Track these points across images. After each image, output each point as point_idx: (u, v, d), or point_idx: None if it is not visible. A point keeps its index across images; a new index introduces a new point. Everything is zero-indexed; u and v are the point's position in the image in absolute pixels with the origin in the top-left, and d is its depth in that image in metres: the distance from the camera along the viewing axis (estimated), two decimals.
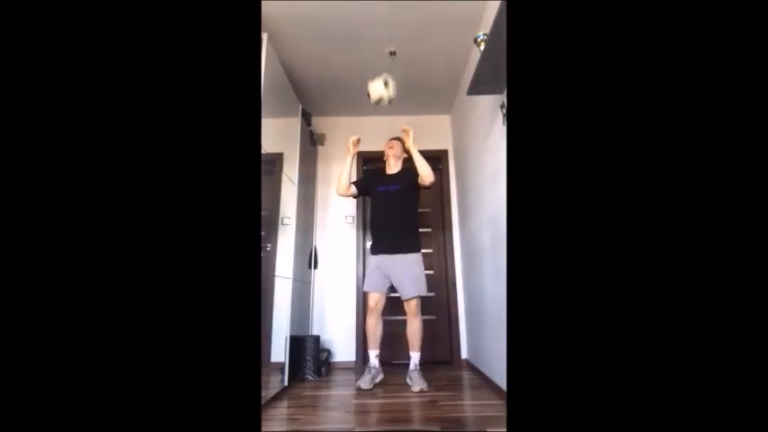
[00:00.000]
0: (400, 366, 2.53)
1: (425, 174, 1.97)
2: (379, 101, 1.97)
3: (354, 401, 1.75)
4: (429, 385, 1.91)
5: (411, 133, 2.03)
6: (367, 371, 2.00)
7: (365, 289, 2.10)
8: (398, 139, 2.20)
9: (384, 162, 2.24)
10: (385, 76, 1.95)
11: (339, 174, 2.13)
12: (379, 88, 1.95)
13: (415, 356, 2.01)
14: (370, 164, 3.12)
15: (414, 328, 2.02)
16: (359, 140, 2.10)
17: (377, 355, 2.04)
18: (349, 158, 2.09)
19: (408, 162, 2.11)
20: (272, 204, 2.09)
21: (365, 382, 1.93)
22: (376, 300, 2.02)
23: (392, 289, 2.06)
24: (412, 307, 2.01)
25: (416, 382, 1.90)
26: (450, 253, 2.88)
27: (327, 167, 3.09)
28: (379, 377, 2.04)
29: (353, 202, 3.01)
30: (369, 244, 2.41)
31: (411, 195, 2.09)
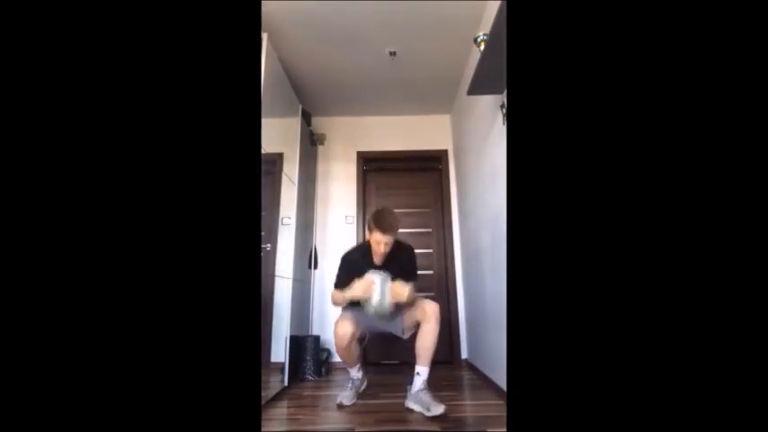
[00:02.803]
0: (393, 367, 2.54)
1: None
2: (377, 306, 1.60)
3: (354, 401, 1.75)
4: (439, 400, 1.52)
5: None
6: (350, 385, 1.76)
7: (337, 318, 1.71)
8: (389, 230, 1.64)
9: (368, 245, 1.76)
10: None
11: (340, 297, 1.71)
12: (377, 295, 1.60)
13: (423, 372, 1.60)
14: (369, 164, 3.12)
15: (429, 337, 1.61)
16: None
17: (358, 369, 1.83)
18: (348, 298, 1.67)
19: (397, 249, 1.75)
20: (272, 204, 2.09)
21: (347, 398, 1.69)
22: (345, 329, 1.63)
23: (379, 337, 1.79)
24: (432, 307, 1.63)
25: (433, 405, 1.48)
26: (450, 253, 2.88)
27: (327, 167, 3.09)
28: (363, 386, 1.87)
29: (354, 202, 3.01)
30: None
31: None
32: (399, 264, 1.70)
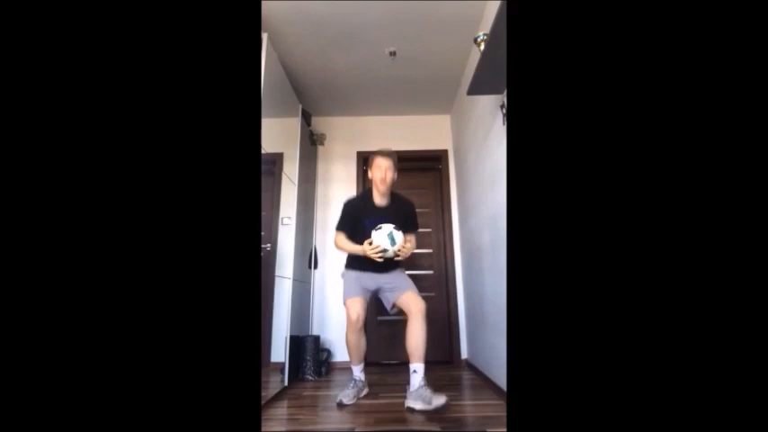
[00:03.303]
0: (393, 367, 2.54)
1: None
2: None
3: (354, 401, 1.75)
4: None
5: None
6: (352, 384, 1.79)
7: (345, 296, 1.80)
8: (389, 155, 1.79)
9: (369, 182, 1.81)
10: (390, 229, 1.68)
11: (347, 244, 1.79)
12: (383, 242, 1.67)
13: (419, 369, 1.62)
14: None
15: (418, 334, 1.65)
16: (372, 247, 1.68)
17: (362, 369, 1.85)
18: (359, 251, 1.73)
19: (397, 195, 1.87)
20: (272, 204, 2.09)
21: (348, 397, 1.71)
22: (357, 312, 1.71)
23: (374, 298, 1.89)
24: (418, 305, 1.69)
25: (434, 398, 1.51)
26: (450, 253, 2.88)
27: (327, 167, 3.09)
28: (364, 391, 1.84)
29: None
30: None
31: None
32: (400, 212, 1.74)
